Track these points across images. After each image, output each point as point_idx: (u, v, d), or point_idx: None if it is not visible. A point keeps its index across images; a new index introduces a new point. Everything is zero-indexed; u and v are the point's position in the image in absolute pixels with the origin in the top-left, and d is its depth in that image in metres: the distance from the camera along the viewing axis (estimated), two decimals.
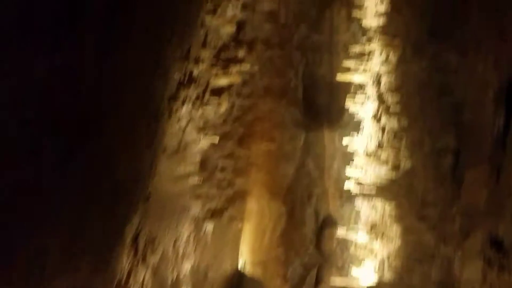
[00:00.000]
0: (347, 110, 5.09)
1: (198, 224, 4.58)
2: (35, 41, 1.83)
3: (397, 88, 3.43)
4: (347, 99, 4.63)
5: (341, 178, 6.12)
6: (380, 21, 3.77)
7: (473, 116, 2.50)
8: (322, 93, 6.78)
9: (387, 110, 3.57)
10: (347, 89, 5.58)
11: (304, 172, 6.63)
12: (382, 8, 3.85)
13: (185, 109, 4.45)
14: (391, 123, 3.49)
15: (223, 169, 5.34)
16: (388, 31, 3.51)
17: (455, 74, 2.64)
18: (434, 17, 2.76)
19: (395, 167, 3.35)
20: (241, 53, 5.34)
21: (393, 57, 3.54)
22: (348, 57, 5.16)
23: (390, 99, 3.50)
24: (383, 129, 3.66)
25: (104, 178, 2.16)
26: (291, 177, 6.39)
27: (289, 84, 6.58)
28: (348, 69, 4.91)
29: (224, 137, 5.35)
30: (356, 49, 4.62)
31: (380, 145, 3.59)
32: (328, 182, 6.72)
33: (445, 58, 2.67)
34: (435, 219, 3.08)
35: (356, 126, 4.79)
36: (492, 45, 2.23)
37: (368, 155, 3.71)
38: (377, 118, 3.78)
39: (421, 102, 3.00)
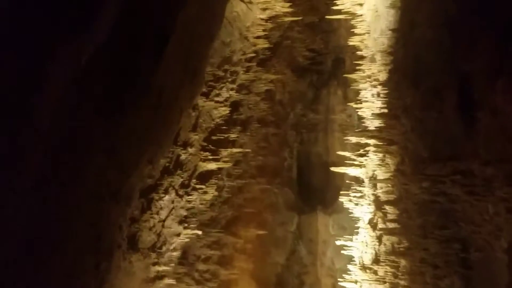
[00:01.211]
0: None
1: None
2: None
3: (396, 202, 3.14)
4: (341, 195, 4.33)
5: (335, 268, 5.70)
6: (376, 122, 3.56)
7: (483, 257, 2.19)
8: (317, 173, 6.53)
9: (384, 220, 3.26)
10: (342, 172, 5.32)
11: (295, 258, 6.22)
12: (378, 108, 3.65)
13: (167, 199, 4.16)
14: (388, 236, 3.17)
15: (206, 260, 4.94)
16: (385, 136, 3.29)
17: (461, 206, 2.36)
18: (436, 139, 2.55)
19: None
20: (233, 134, 5.14)
21: (390, 162, 3.29)
22: (344, 140, 4.94)
23: (388, 212, 3.20)
24: (379, 239, 3.33)
25: None
26: (281, 265, 6.00)
27: (283, 163, 6.35)
28: (343, 158, 4.66)
29: (210, 222, 5.01)
30: (351, 139, 4.38)
31: (377, 259, 3.24)
32: (321, 270, 6.28)
33: (449, 186, 2.41)
34: None
35: (351, 216, 4.47)
36: (504, 189, 1.98)
37: (363, 268, 3.35)
38: (373, 224, 3.46)
39: (422, 227, 2.70)
